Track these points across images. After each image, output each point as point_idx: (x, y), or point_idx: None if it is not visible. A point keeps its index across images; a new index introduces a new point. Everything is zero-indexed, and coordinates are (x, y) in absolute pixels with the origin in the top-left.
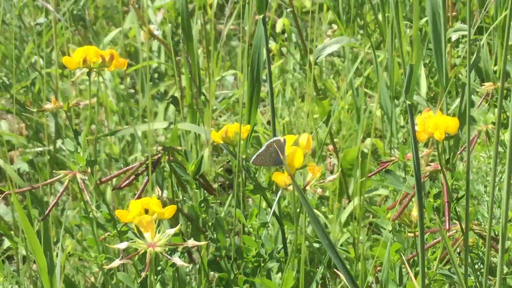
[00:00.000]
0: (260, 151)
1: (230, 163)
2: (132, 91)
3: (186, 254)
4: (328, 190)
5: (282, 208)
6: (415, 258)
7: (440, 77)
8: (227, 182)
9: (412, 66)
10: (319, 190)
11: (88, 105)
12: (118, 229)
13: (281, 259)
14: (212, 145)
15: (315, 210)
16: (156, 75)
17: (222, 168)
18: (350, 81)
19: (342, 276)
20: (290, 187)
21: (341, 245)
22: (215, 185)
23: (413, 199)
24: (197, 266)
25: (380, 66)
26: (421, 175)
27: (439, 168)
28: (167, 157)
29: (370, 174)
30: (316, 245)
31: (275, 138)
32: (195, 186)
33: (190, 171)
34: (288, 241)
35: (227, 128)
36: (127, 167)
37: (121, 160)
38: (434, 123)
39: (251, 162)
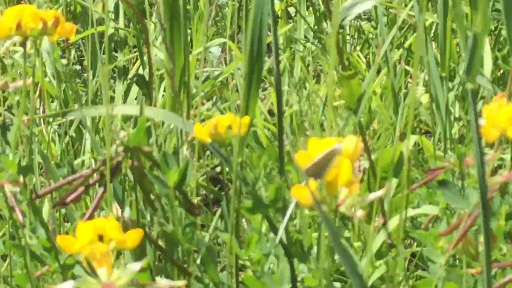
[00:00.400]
0: (317, 158)
1: (216, 170)
2: (78, 67)
3: None
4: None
5: (290, 234)
6: None
7: (511, 47)
8: (212, 196)
9: (476, 35)
10: (360, 213)
11: (20, 88)
12: (61, 262)
13: None
14: (190, 144)
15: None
16: (112, 46)
17: (204, 177)
18: (385, 54)
19: None
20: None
21: (373, 285)
22: (195, 200)
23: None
24: None
25: (427, 34)
26: (488, 188)
27: None
28: (130, 161)
29: (414, 186)
30: (337, 285)
31: (336, 145)
32: (177, 203)
33: (171, 181)
34: (299, 280)
35: (217, 121)
36: (74, 176)
37: (64, 165)
38: (508, 115)
39: (305, 172)
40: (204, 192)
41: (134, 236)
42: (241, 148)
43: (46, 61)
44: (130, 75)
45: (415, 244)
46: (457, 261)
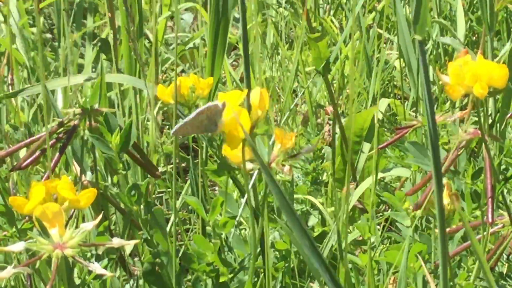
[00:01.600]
0: (186, 119)
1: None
2: (48, 36)
3: (118, 262)
4: (326, 172)
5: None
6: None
7: (483, 11)
8: (184, 164)
9: None
10: (287, 169)
11: None
12: (18, 227)
13: (259, 271)
14: (161, 109)
15: (311, 198)
16: (81, 12)
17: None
18: (357, 18)
19: None
20: (250, 165)
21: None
22: (165, 168)
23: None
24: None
25: None
26: (455, 146)
27: (480, 135)
28: (88, 123)
29: (383, 145)
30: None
31: (210, 104)
32: (121, 166)
33: (113, 144)
34: (270, 245)
35: (180, 82)
36: (30, 138)
37: (24, 131)
38: (474, 72)
39: (171, 133)
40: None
41: (87, 196)
42: None
43: (14, 29)
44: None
45: (388, 208)
46: (430, 223)
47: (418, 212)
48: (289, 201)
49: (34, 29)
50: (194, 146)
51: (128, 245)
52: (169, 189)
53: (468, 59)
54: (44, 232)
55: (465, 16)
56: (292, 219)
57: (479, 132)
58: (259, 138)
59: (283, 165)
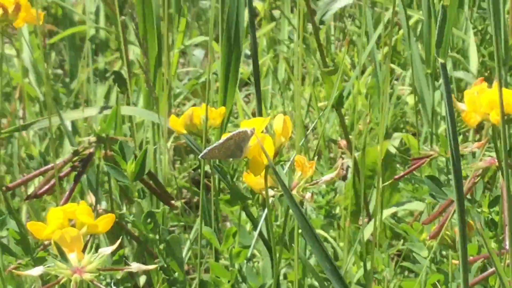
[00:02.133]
0: (216, 143)
1: (199, 171)
2: (60, 71)
3: None
4: (339, 206)
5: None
6: None
7: (497, 44)
8: (195, 199)
9: (444, 8)
10: (308, 195)
11: None
12: (33, 256)
13: None
14: (174, 145)
15: (323, 232)
16: (93, 47)
17: (187, 179)
18: (370, 53)
19: None
20: (270, 192)
21: (359, 282)
22: (178, 203)
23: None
24: None
25: (412, 32)
26: (471, 173)
27: (496, 164)
28: (103, 152)
29: (399, 175)
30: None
31: (240, 130)
32: (137, 194)
33: (128, 172)
34: (281, 275)
35: (193, 112)
36: (46, 167)
37: (39, 159)
38: (490, 99)
39: (199, 156)
40: (187, 194)
41: (105, 221)
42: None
43: (28, 64)
44: (109, 75)
45: (401, 242)
46: (442, 255)
47: (435, 243)
48: (311, 224)
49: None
50: (207, 182)
51: (142, 276)
52: (181, 223)
53: (484, 87)
54: (63, 257)
55: (477, 52)
56: (313, 242)
57: (496, 160)
58: (280, 167)
59: (304, 193)
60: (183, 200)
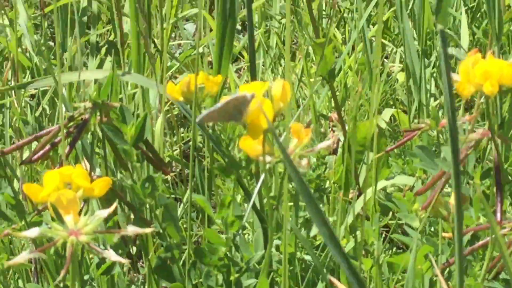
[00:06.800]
0: (215, 107)
1: (190, 144)
2: (51, 43)
3: (126, 257)
4: (329, 181)
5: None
6: (453, 266)
7: (491, 21)
8: (186, 171)
9: None
10: (305, 162)
11: None
12: (28, 220)
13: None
14: (166, 116)
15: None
16: (85, 20)
17: (178, 151)
18: (362, 30)
19: None
20: (267, 158)
21: (349, 255)
22: (168, 176)
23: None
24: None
25: (404, 9)
26: (463, 146)
27: (489, 136)
28: (99, 117)
29: (389, 149)
30: (307, 257)
31: (239, 94)
32: (136, 158)
33: (128, 136)
34: (274, 247)
35: (190, 80)
36: (41, 132)
37: (34, 125)
38: (484, 70)
39: (197, 120)
40: (178, 166)
41: (101, 185)
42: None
43: (25, 33)
44: (102, 44)
45: (391, 215)
46: (434, 227)
47: (426, 214)
48: (309, 189)
49: (36, 37)
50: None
51: (136, 242)
52: (173, 195)
53: (479, 58)
54: (59, 219)
55: (468, 29)
56: (312, 206)
57: (489, 132)
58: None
59: (300, 159)
60: (173, 174)
